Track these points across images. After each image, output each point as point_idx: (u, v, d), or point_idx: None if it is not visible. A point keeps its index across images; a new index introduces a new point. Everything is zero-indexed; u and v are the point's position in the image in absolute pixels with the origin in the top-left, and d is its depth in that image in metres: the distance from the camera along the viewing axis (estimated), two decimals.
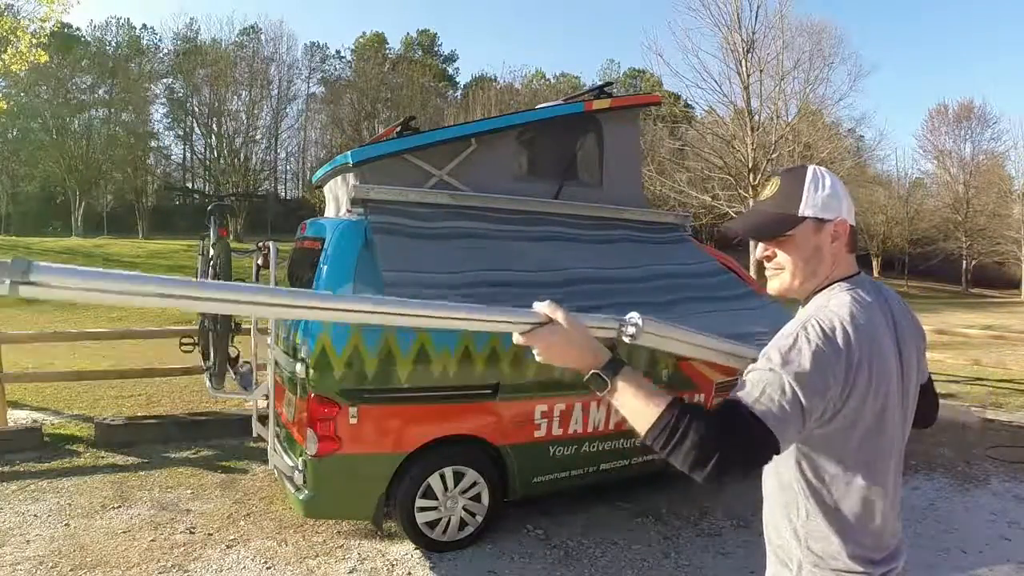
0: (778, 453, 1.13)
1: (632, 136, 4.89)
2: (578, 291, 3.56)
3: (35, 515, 4.07)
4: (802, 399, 1.14)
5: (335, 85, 43.85)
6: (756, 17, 21.57)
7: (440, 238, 3.55)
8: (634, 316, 1.45)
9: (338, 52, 49.51)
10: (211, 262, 4.45)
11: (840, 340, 1.19)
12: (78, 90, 37.95)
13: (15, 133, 36.20)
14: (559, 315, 1.26)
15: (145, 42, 42.72)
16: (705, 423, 1.10)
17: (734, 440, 1.10)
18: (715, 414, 1.13)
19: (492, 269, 3.48)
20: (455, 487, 3.72)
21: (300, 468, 3.57)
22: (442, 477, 3.69)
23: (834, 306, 1.26)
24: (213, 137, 37.39)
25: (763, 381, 1.15)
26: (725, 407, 1.14)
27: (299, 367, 3.52)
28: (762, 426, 1.11)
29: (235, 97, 37.87)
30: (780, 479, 1.33)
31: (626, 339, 1.44)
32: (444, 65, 52.39)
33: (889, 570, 1.30)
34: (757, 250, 1.38)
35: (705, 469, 1.09)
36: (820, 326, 1.21)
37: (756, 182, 21.15)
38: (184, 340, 5.14)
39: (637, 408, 1.18)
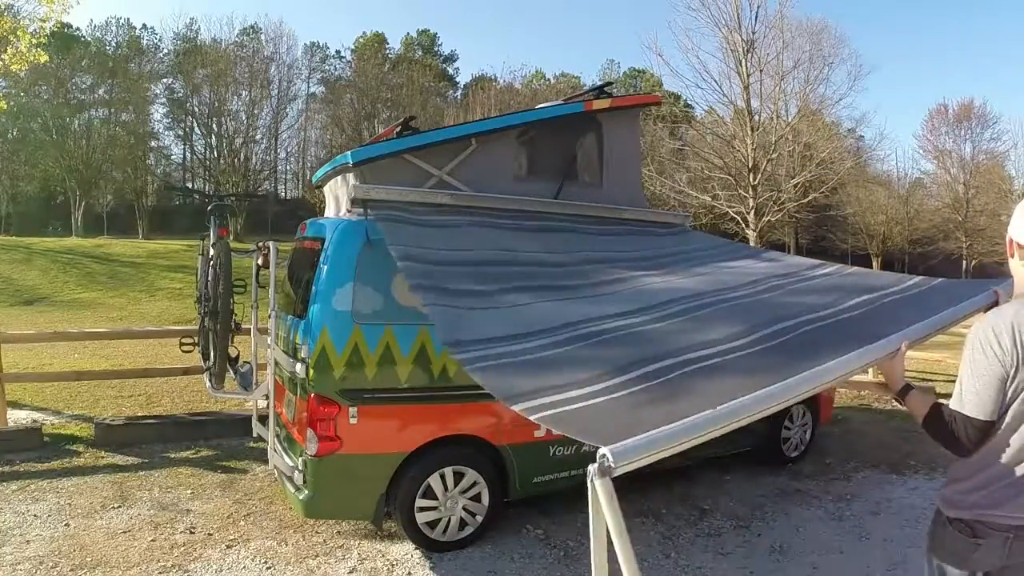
0: (996, 417, 1.69)
1: (632, 136, 4.89)
2: (582, 270, 3.52)
3: (35, 515, 4.07)
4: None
5: (335, 85, 43.77)
6: (756, 17, 21.52)
7: (445, 227, 3.54)
8: (605, 453, 1.40)
9: (338, 52, 49.49)
10: (211, 262, 4.45)
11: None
12: (78, 90, 37.91)
13: (15, 133, 36.17)
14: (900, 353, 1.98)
15: (145, 42, 42.67)
16: (946, 430, 1.75)
17: (965, 439, 1.71)
18: (949, 422, 1.75)
19: (500, 249, 3.43)
20: (455, 487, 3.72)
21: (300, 468, 3.57)
22: (442, 477, 3.68)
23: None
24: (213, 137, 37.37)
25: (966, 385, 1.74)
26: (952, 416, 1.75)
27: (299, 367, 3.52)
28: (979, 421, 1.70)
29: (235, 97, 37.82)
30: None
31: (600, 479, 1.40)
32: (444, 65, 52.33)
33: None
34: None
35: (955, 453, 1.77)
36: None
37: (756, 182, 21.14)
38: (184, 340, 5.14)
39: (915, 415, 1.87)
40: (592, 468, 1.38)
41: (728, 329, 2.58)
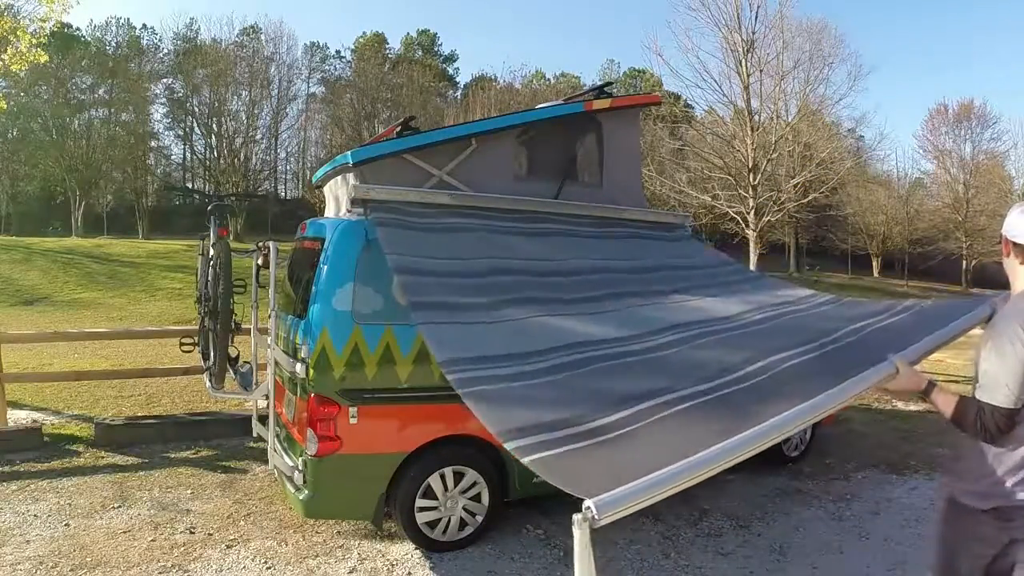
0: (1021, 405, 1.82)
1: (632, 136, 4.89)
2: (583, 281, 3.55)
3: (35, 515, 4.07)
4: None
5: (335, 85, 43.71)
6: (756, 17, 21.51)
7: (443, 231, 3.56)
8: (589, 505, 1.42)
9: (338, 52, 49.41)
10: (211, 262, 4.45)
11: None
12: (78, 90, 37.86)
13: (15, 133, 36.13)
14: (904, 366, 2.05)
15: (145, 42, 42.60)
16: (975, 421, 1.86)
17: (994, 427, 1.84)
18: (976, 413, 1.87)
19: (499, 257, 3.46)
20: (455, 487, 3.72)
21: (300, 468, 3.57)
22: (442, 477, 3.68)
23: None
24: (213, 137, 37.32)
25: (991, 376, 1.87)
26: (978, 408, 1.87)
27: (299, 367, 3.52)
28: (1005, 409, 1.83)
29: (235, 97, 37.76)
30: None
31: (587, 527, 1.42)
32: (444, 65, 52.27)
33: None
34: None
35: (985, 441, 1.88)
36: None
37: (756, 182, 21.13)
38: (184, 340, 5.13)
39: (941, 412, 1.97)
40: (577, 517, 1.41)
41: (735, 357, 2.61)
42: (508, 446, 1.89)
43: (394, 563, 3.60)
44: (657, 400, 2.23)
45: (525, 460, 1.82)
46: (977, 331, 2.40)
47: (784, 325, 3.27)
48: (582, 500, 1.44)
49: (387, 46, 50.14)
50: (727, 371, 2.48)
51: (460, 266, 3.21)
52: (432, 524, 3.69)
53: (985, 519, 1.92)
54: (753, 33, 21.47)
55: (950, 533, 2.04)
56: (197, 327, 5.17)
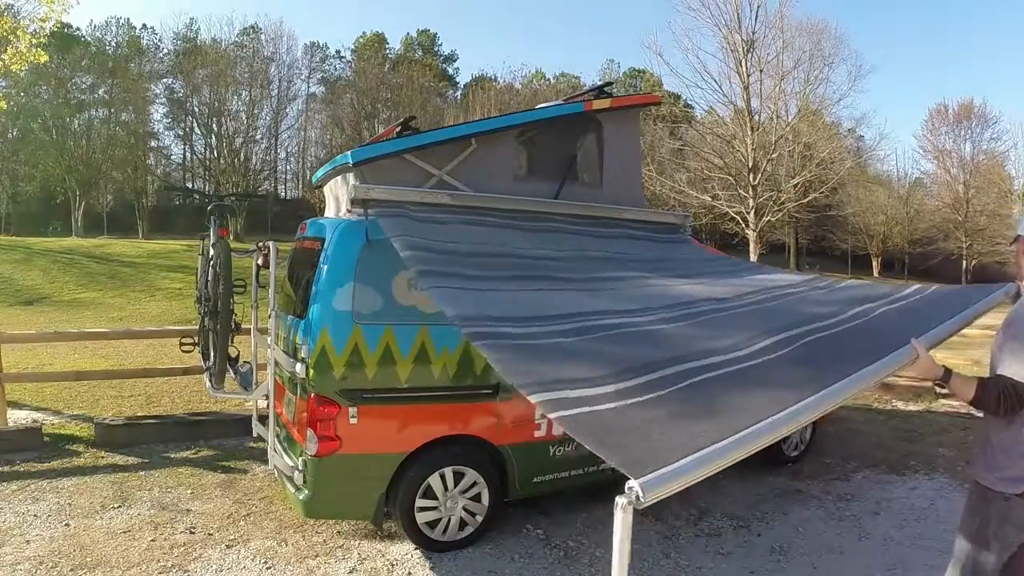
0: None
1: (632, 136, 4.89)
2: (584, 266, 3.55)
3: (35, 515, 4.07)
4: None
5: (335, 85, 43.77)
6: (756, 17, 21.54)
7: (445, 224, 3.58)
8: (633, 486, 1.39)
9: (338, 52, 49.49)
10: (211, 262, 4.45)
11: None
12: (78, 90, 37.88)
13: (15, 133, 36.16)
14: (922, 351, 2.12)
15: (145, 42, 42.68)
16: (999, 399, 1.98)
17: (1017, 400, 1.98)
18: (999, 389, 1.98)
19: (500, 245, 3.50)
20: (455, 487, 3.72)
21: (300, 468, 3.57)
22: (442, 477, 3.68)
23: None
24: (213, 137, 37.33)
25: (1015, 355, 2.01)
26: (1002, 384, 2.01)
27: (299, 367, 3.52)
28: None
29: (235, 97, 37.77)
30: None
31: (631, 508, 1.39)
32: (444, 65, 52.30)
33: None
34: None
35: (1007, 416, 2.01)
36: None
37: (756, 182, 21.12)
38: (184, 340, 5.13)
39: (962, 395, 2.08)
40: (621, 500, 1.37)
41: (738, 335, 2.58)
42: (533, 399, 1.85)
43: (394, 563, 3.60)
44: (682, 367, 2.19)
45: (553, 416, 1.78)
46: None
47: (789, 305, 3.25)
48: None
49: (387, 46, 50.19)
50: (736, 348, 2.45)
51: (464, 248, 3.25)
52: (432, 524, 3.69)
53: (1018, 503, 1.99)
54: (753, 33, 21.48)
55: (978, 523, 2.09)
56: (197, 327, 5.17)
